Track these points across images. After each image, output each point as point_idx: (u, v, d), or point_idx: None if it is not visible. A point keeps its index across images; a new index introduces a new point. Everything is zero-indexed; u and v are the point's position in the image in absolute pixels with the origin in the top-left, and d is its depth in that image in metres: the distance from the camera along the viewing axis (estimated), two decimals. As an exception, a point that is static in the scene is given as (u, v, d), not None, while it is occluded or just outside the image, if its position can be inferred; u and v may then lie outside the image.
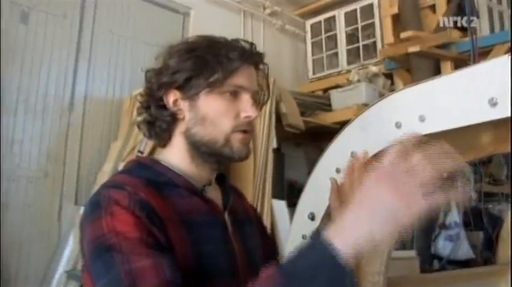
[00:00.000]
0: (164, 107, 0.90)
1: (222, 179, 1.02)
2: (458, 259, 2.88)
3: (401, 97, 1.24)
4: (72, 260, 2.97)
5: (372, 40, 4.16)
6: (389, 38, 3.68)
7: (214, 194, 0.94)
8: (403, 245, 2.87)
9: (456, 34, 3.21)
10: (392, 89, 3.42)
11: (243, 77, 0.89)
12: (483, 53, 2.96)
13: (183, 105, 0.89)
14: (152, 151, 2.96)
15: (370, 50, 4.19)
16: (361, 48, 4.23)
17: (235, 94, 0.88)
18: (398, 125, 1.20)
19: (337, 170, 1.39)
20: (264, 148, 2.64)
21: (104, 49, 3.66)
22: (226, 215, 0.91)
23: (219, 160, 0.91)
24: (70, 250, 3.11)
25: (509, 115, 0.96)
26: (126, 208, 0.75)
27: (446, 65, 3.24)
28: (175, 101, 0.89)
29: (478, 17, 3.24)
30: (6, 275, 2.92)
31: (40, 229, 3.17)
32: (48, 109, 3.30)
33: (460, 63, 3.11)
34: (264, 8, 4.72)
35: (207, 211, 0.87)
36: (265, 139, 2.67)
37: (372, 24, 4.16)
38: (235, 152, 0.88)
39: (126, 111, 3.55)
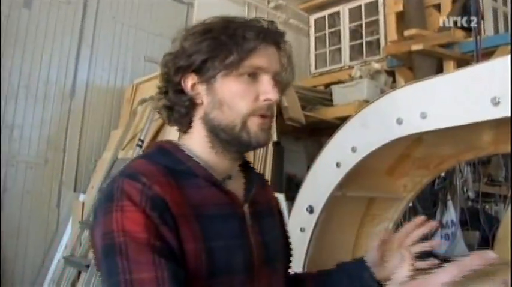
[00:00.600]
0: (182, 91, 0.87)
1: (247, 167, 0.97)
2: (454, 257, 2.89)
3: (403, 94, 1.25)
4: (70, 246, 2.99)
5: (375, 37, 4.15)
6: (393, 35, 3.67)
7: (237, 184, 0.90)
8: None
9: (460, 34, 3.20)
10: (393, 87, 3.42)
11: (261, 58, 0.83)
12: (487, 54, 2.95)
13: (201, 89, 0.85)
14: (153, 140, 2.96)
15: (373, 46, 4.18)
16: (364, 44, 4.23)
17: (254, 76, 0.83)
18: (399, 121, 1.21)
19: (338, 165, 1.40)
20: (264, 141, 2.64)
21: (107, 37, 3.65)
22: (246, 207, 0.87)
23: (238, 148, 0.87)
24: (68, 237, 3.12)
25: (510, 115, 0.96)
26: (137, 205, 0.73)
27: (449, 65, 3.23)
28: (193, 85, 0.86)
29: (482, 18, 3.23)
30: (3, 260, 2.94)
31: (38, 215, 3.18)
32: (50, 95, 3.30)
33: (462, 63, 3.10)
34: (269, 2, 4.71)
35: (225, 203, 0.84)
36: (266, 132, 2.67)
37: (376, 21, 4.15)
38: (252, 138, 0.84)
39: (127, 100, 3.55)
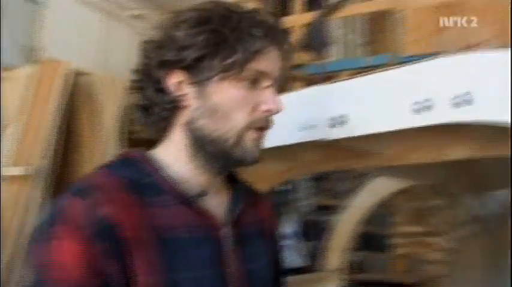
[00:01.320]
0: (163, 90, 0.72)
1: (235, 181, 0.82)
2: (290, 267, 3.09)
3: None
4: None
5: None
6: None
7: (217, 202, 0.76)
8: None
9: (306, 57, 3.45)
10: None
11: (266, 61, 0.71)
12: (331, 77, 3.21)
13: (189, 90, 0.71)
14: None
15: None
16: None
17: (254, 81, 0.72)
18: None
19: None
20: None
21: None
22: (226, 230, 0.73)
23: (225, 163, 0.74)
24: None
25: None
26: (76, 231, 0.61)
27: (297, 85, 3.46)
28: (178, 84, 0.71)
29: (330, 42, 3.52)
30: None
31: None
32: None
33: (311, 84, 3.33)
34: (127, 10, 4.60)
35: (198, 225, 0.70)
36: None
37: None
38: (248, 154, 0.72)
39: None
